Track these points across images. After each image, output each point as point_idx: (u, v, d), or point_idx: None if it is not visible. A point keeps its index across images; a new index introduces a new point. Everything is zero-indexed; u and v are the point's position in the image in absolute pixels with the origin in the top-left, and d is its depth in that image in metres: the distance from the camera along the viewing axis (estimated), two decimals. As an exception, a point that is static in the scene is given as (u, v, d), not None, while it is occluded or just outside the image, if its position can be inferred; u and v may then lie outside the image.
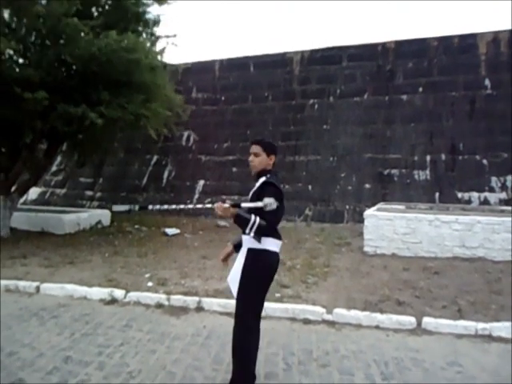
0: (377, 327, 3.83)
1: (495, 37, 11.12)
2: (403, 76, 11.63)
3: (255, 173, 2.64)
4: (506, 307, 4.16)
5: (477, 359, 3.20)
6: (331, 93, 12.17)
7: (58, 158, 13.75)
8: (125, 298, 4.60)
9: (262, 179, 2.57)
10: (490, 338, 3.59)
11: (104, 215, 10.00)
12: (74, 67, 7.28)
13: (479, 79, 10.88)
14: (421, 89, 11.30)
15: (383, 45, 12.16)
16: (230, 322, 3.92)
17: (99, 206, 12.26)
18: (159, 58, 8.67)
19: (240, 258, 2.58)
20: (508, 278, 5.18)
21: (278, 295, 4.47)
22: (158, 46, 8.86)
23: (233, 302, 4.30)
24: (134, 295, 4.60)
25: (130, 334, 3.64)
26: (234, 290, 2.59)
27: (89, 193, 13.40)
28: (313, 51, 12.84)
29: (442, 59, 11.39)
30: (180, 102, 9.29)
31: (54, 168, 14.12)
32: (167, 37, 8.72)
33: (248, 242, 2.53)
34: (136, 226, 9.53)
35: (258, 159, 2.60)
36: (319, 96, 12.23)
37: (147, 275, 5.41)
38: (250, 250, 2.53)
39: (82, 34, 6.96)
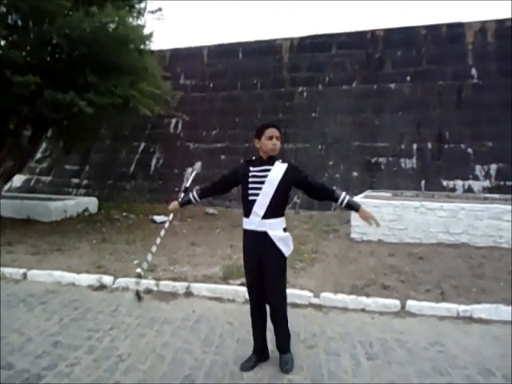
0: (363, 310, 3.92)
1: (482, 27, 11.20)
2: (392, 65, 11.66)
3: (267, 156, 2.73)
4: (487, 290, 4.30)
5: (458, 340, 3.31)
6: (320, 81, 12.15)
7: (43, 145, 13.50)
8: (113, 284, 4.61)
9: (282, 163, 2.71)
10: (470, 319, 3.71)
11: (91, 203, 9.91)
12: (60, 49, 7.09)
13: (466, 69, 10.98)
14: (409, 78, 11.35)
15: (372, 33, 12.13)
16: (219, 307, 4.01)
17: (86, 194, 12.12)
18: (147, 42, 8.51)
19: (279, 233, 2.69)
20: (490, 263, 5.34)
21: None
22: (145, 31, 8.70)
23: (221, 287, 4.39)
24: (122, 281, 4.60)
25: (120, 319, 3.67)
26: (283, 247, 2.70)
27: (75, 180, 13.20)
28: (302, 38, 12.74)
29: (431, 48, 11.44)
30: (168, 88, 9.17)
31: (38, 155, 13.85)
32: (152, 12, 8.54)
33: (280, 223, 2.71)
34: (124, 214, 9.47)
35: (279, 143, 2.73)
36: (308, 84, 12.19)
37: (136, 262, 5.40)
38: (285, 229, 2.75)
39: (66, 12, 6.77)
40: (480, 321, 3.68)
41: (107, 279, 4.65)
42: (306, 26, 28.04)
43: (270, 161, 2.73)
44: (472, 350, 3.13)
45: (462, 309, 3.81)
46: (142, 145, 13.17)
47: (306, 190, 2.82)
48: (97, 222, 8.51)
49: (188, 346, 3.15)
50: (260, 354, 2.89)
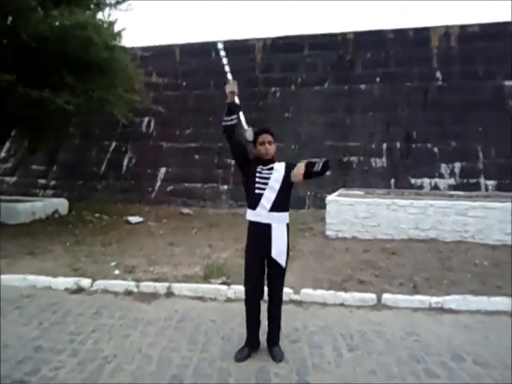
0: (341, 305, 4.07)
1: (446, 31, 11.75)
2: (362, 66, 12.01)
3: (267, 159, 2.98)
4: (456, 282, 4.56)
5: (431, 329, 3.51)
6: (293, 81, 12.33)
7: (7, 144, 12.93)
8: (92, 286, 4.52)
9: (280, 163, 3.01)
10: (442, 310, 3.94)
11: (61, 204, 9.60)
12: (28, 46, 6.84)
13: (431, 71, 11.49)
14: (378, 79, 11.74)
15: (343, 35, 12.45)
16: (202, 306, 4.04)
17: (54, 195, 11.71)
18: (118, 39, 8.35)
19: (281, 233, 2.94)
20: (457, 256, 5.65)
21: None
22: (116, 28, 8.52)
23: (203, 287, 4.41)
24: (101, 283, 4.53)
25: (102, 321, 3.62)
26: (283, 261, 2.95)
27: (42, 181, 12.74)
28: (275, 39, 12.90)
29: (398, 51, 11.88)
30: (143, 77, 9.04)
31: (2, 154, 13.27)
32: (119, 3, 8.37)
33: (285, 218, 2.96)
34: (96, 215, 9.25)
35: (272, 147, 3.01)
36: (281, 84, 12.35)
37: (113, 263, 5.32)
38: (288, 225, 2.99)
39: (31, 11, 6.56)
40: (450, 311, 3.90)
41: (85, 282, 4.55)
42: (279, 26, 28.26)
43: (271, 161, 3.01)
44: (444, 338, 3.33)
45: (434, 300, 4.03)
46: (114, 144, 12.88)
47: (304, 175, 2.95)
48: (68, 224, 8.26)
49: (174, 344, 3.16)
50: (253, 345, 3.01)
